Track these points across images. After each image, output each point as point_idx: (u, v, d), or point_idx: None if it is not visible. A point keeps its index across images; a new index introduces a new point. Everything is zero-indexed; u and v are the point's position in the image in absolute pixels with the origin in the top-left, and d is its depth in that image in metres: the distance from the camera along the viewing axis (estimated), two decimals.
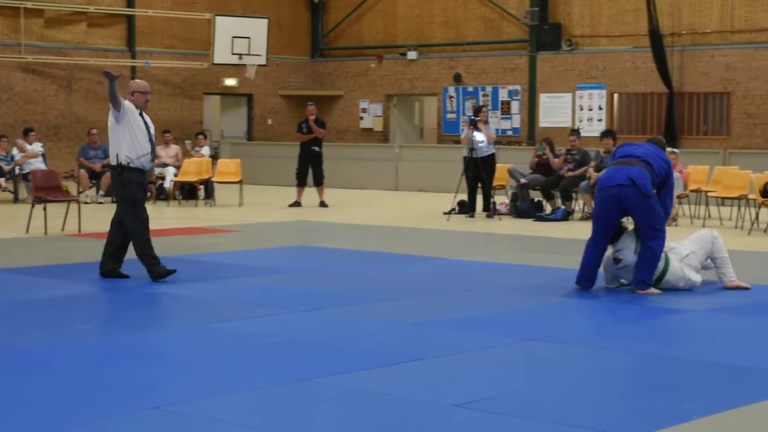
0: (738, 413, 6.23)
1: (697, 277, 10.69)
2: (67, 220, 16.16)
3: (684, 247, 10.87)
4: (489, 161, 19.08)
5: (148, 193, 11.69)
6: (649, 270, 10.39)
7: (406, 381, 7.01)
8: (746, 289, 10.65)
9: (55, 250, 13.93)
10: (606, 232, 10.52)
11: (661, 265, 10.57)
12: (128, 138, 10.87)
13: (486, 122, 19.30)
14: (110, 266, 11.08)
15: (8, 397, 6.52)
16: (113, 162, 11.06)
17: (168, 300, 10.32)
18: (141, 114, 11.02)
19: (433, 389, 6.79)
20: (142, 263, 11.01)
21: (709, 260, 10.88)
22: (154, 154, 11.14)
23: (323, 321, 9.11)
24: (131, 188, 10.96)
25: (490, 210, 19.02)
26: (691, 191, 18.62)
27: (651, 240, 10.38)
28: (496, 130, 28.32)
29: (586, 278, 10.57)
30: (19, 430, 5.85)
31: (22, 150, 22.08)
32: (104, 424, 5.95)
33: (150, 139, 11.02)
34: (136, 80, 11.38)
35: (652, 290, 10.37)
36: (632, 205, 10.38)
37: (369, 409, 6.34)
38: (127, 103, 10.93)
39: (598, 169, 18.51)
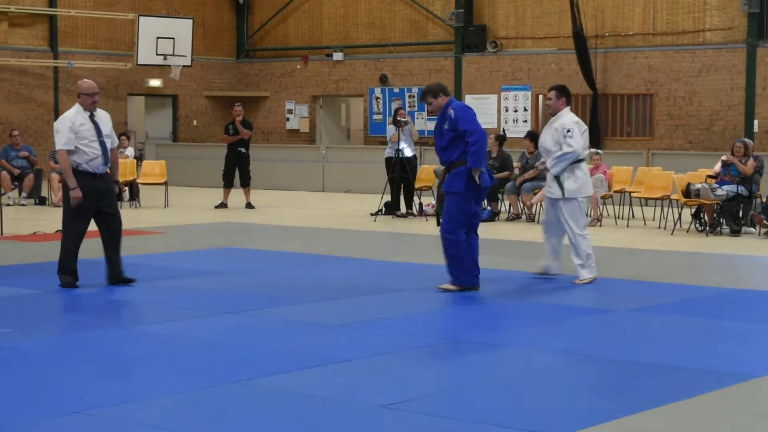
0: (660, 412, 6.28)
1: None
2: None
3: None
4: (412, 163, 19.28)
5: (120, 193, 11.13)
6: (462, 269, 10.62)
7: (333, 382, 6.99)
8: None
9: None
10: None
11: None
12: (77, 146, 10.60)
13: (406, 123, 19.25)
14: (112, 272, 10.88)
15: None
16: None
17: (91, 303, 10.19)
18: (92, 116, 10.79)
19: (360, 390, 6.78)
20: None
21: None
22: (107, 157, 10.73)
23: (249, 323, 9.05)
24: (70, 193, 10.72)
25: (412, 209, 19.13)
26: (615, 192, 18.81)
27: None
28: (422, 131, 28.44)
29: (477, 269, 10.70)
30: None
31: None
32: (24, 430, 5.85)
33: (101, 142, 10.73)
34: (84, 81, 10.91)
35: (449, 286, 10.62)
36: None
37: (296, 411, 6.30)
38: (70, 119, 10.61)
39: (522, 170, 18.66)
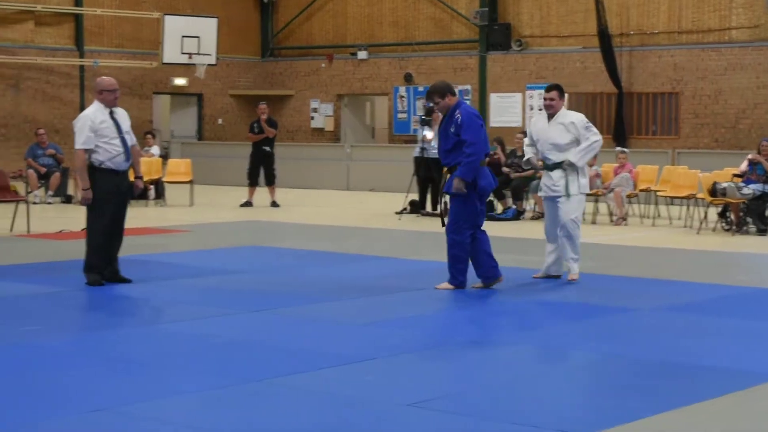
0: (686, 411, 6.26)
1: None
2: (16, 221, 15.99)
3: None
4: (439, 162, 19.16)
5: (145, 190, 11.18)
6: (462, 269, 10.58)
7: (358, 381, 6.99)
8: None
9: (3, 250, 13.76)
10: None
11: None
12: (99, 144, 10.66)
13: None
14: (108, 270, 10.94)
15: None
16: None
17: (116, 301, 10.23)
18: (111, 112, 10.82)
19: (385, 389, 6.78)
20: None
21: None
22: (128, 153, 10.81)
23: (273, 321, 9.07)
24: (94, 191, 10.75)
25: (437, 209, 19.10)
26: (641, 191, 18.75)
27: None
28: None
29: (494, 260, 10.66)
30: None
31: None
32: (47, 427, 5.88)
33: (122, 138, 10.80)
34: (103, 78, 10.97)
35: (447, 285, 10.61)
36: None
37: (321, 410, 6.30)
38: (90, 117, 10.67)
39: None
